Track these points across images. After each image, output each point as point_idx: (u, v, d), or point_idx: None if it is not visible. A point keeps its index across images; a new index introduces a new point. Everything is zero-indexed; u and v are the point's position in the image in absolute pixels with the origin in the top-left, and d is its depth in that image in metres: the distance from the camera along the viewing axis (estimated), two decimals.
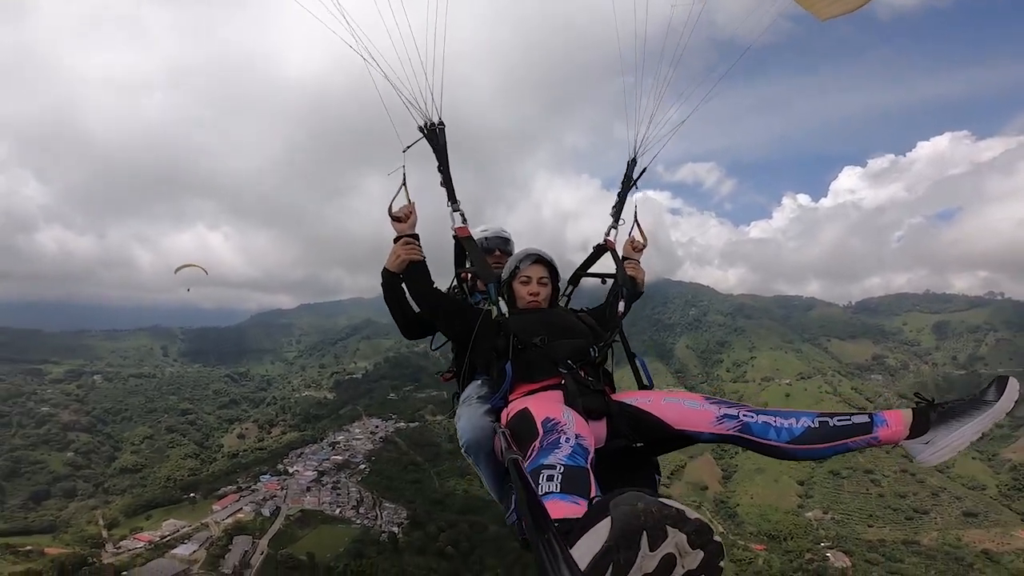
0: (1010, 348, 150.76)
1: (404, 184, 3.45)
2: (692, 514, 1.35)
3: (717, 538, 1.36)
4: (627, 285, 3.68)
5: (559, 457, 2.09)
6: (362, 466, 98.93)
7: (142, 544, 66.38)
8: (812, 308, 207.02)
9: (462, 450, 3.18)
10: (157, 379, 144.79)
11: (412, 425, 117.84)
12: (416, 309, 3.52)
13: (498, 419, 2.91)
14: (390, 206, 3.40)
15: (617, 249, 3.93)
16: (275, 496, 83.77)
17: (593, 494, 1.90)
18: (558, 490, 1.89)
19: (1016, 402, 2.44)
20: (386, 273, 3.38)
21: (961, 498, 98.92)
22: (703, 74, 3.76)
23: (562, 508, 1.79)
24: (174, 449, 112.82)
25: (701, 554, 1.35)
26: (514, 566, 73.30)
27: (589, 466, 2.08)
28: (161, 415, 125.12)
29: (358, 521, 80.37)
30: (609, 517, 1.34)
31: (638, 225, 4.00)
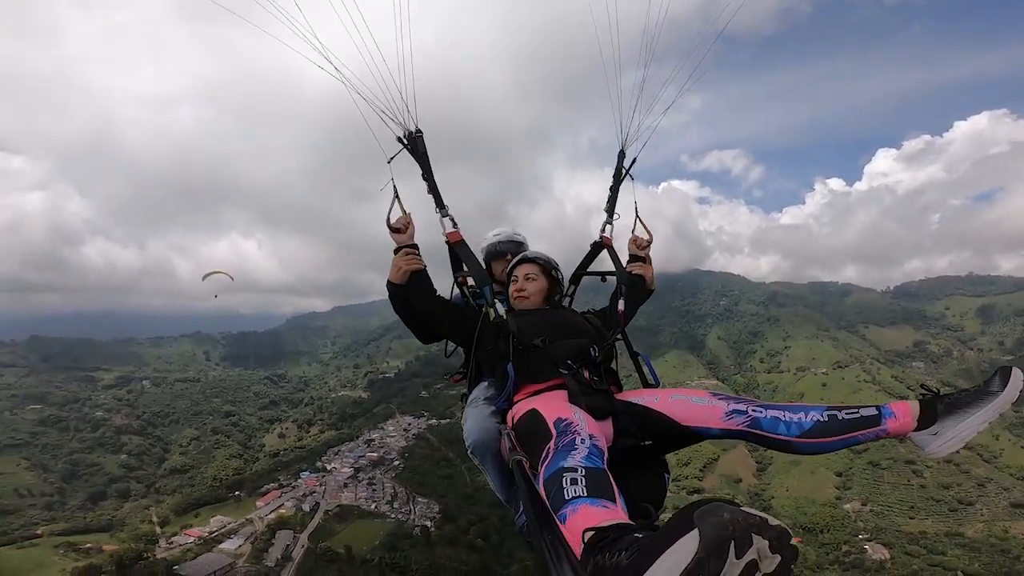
0: None
1: (396, 195, 3.51)
2: (773, 521, 1.35)
3: (794, 542, 1.38)
4: (626, 283, 3.69)
5: (578, 459, 2.09)
6: (396, 462, 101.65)
7: (192, 539, 69.85)
8: (848, 294, 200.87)
9: (468, 451, 3.23)
10: (201, 383, 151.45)
11: (443, 422, 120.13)
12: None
13: (504, 420, 2.93)
14: (387, 218, 3.47)
15: (614, 245, 3.93)
16: (314, 492, 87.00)
17: (618, 497, 1.92)
18: (585, 494, 1.88)
19: (1022, 391, 2.46)
20: (390, 285, 3.44)
21: (1009, 488, 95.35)
22: (687, 58, 3.70)
23: (596, 514, 1.78)
24: (219, 450, 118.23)
25: (779, 558, 1.36)
26: None
27: (606, 467, 2.11)
28: (206, 417, 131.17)
29: (392, 516, 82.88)
30: (696, 529, 1.33)
31: (640, 220, 3.99)
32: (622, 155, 4.03)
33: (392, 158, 3.52)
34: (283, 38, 3.25)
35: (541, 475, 2.07)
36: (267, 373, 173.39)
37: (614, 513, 1.78)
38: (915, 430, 2.49)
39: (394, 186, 3.50)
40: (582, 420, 2.41)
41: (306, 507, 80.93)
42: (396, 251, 3.44)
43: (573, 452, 2.12)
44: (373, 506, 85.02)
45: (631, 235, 3.97)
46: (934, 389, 2.59)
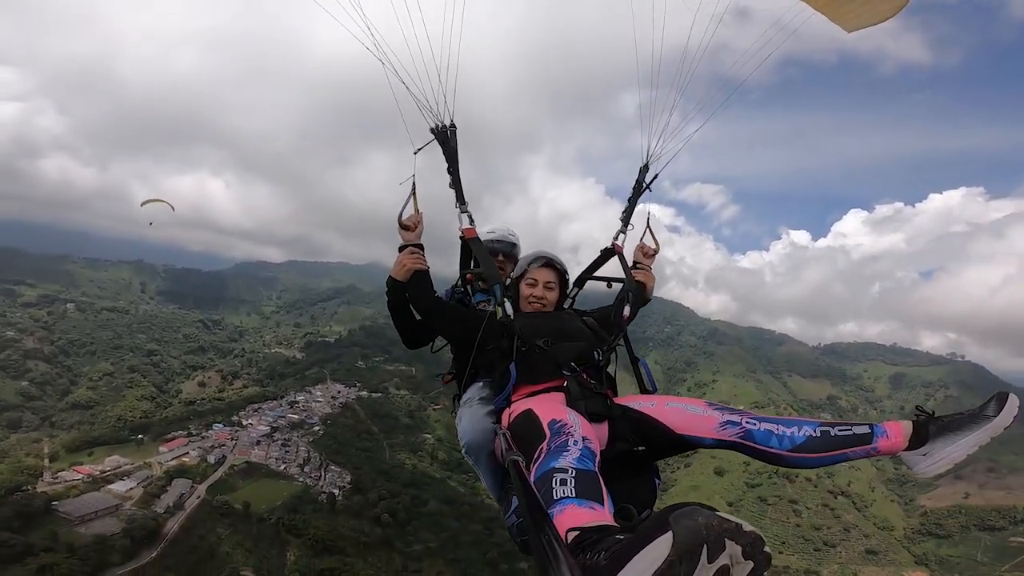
0: (956, 406, 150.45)
1: (414, 193, 3.49)
2: (748, 527, 1.37)
3: (767, 549, 1.40)
4: (634, 290, 3.66)
5: (569, 460, 2.11)
6: (316, 427, 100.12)
7: (80, 476, 67.08)
8: (782, 343, 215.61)
9: (463, 451, 3.23)
10: (130, 315, 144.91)
11: (375, 395, 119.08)
12: (417, 318, 3.58)
13: (499, 420, 2.93)
14: (400, 214, 3.46)
15: (625, 254, 3.92)
16: (223, 445, 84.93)
17: (606, 499, 1.93)
18: (573, 495, 1.90)
19: (1015, 417, 2.50)
20: (391, 282, 3.44)
21: (869, 536, 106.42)
22: (716, 87, 3.84)
23: (581, 515, 1.80)
24: (131, 389, 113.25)
25: (751, 564, 1.37)
26: (448, 542, 75.42)
27: (597, 469, 2.12)
28: (126, 353, 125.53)
29: (301, 479, 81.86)
30: (671, 531, 1.34)
31: (650, 231, 4.00)
32: (645, 169, 4.03)
33: (419, 149, 3.52)
34: (334, 13, 3.33)
35: (532, 474, 2.10)
36: (202, 316, 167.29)
37: (600, 515, 1.80)
38: (906, 450, 2.52)
39: (413, 183, 3.48)
40: (576, 422, 2.43)
41: (211, 459, 79.15)
42: (401, 248, 3.44)
43: (565, 453, 2.15)
44: (283, 467, 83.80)
45: (639, 243, 3.98)
46: (928, 411, 2.60)
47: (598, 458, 2.21)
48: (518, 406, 2.80)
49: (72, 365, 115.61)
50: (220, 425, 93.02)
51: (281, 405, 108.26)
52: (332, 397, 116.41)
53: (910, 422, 2.57)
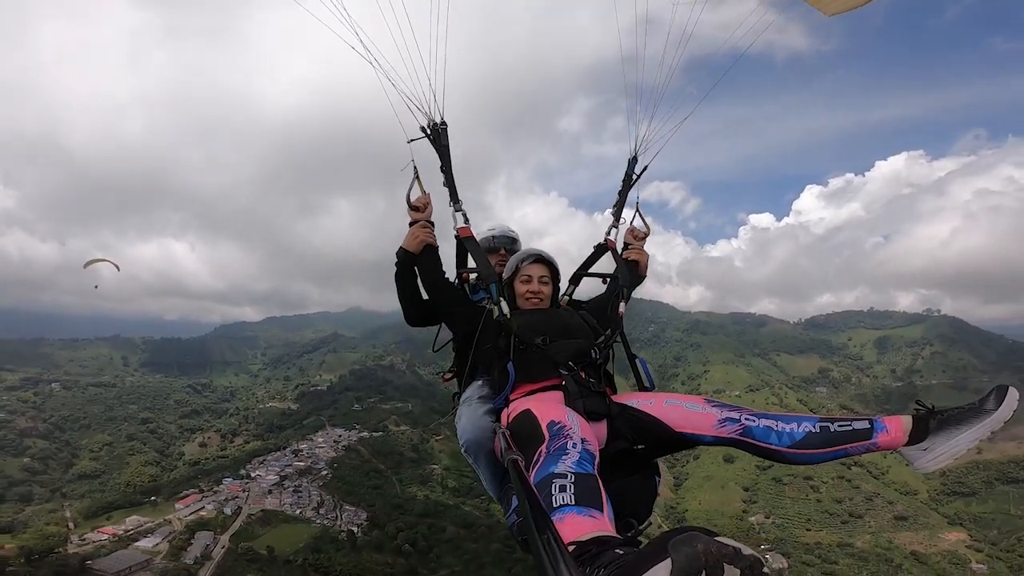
0: (943, 361, 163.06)
1: (416, 176, 3.52)
2: (747, 551, 1.34)
3: (767, 570, 1.36)
4: (628, 284, 3.64)
5: (568, 464, 2.08)
6: (324, 472, 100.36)
7: (106, 537, 67.38)
8: (765, 324, 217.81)
9: (462, 450, 3.21)
10: (117, 388, 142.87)
11: (376, 434, 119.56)
12: (423, 297, 3.58)
13: (498, 419, 2.91)
14: (408, 195, 3.50)
15: (618, 247, 3.92)
16: (237, 497, 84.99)
17: (606, 504, 1.91)
18: (573, 503, 1.87)
19: (1015, 411, 2.45)
20: (402, 252, 3.43)
21: (893, 503, 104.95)
22: (704, 72, 3.83)
23: (581, 524, 1.77)
24: (134, 456, 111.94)
25: None
26: (471, 564, 76.86)
27: (596, 472, 2.10)
28: (121, 423, 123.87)
29: (318, 521, 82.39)
30: (669, 558, 1.30)
31: (640, 214, 4.01)
32: (634, 161, 4.04)
33: (413, 140, 3.54)
34: (319, 17, 3.41)
35: (532, 479, 2.11)
36: (190, 381, 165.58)
37: (599, 524, 1.79)
38: (906, 445, 2.51)
39: (415, 167, 3.53)
40: (575, 423, 2.42)
41: (228, 510, 79.19)
42: (411, 224, 3.50)
43: (564, 457, 2.15)
44: (298, 511, 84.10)
45: (629, 226, 4.04)
46: (928, 405, 2.57)
47: (597, 459, 2.22)
48: (517, 405, 2.81)
49: (69, 439, 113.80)
50: (229, 479, 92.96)
51: (285, 455, 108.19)
52: (334, 441, 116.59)
53: (910, 417, 2.56)
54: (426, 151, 3.60)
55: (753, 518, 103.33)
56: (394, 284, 3.59)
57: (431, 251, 3.45)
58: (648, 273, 3.97)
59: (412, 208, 3.52)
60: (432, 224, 3.51)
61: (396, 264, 3.50)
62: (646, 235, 4.02)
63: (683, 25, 3.75)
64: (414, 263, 3.46)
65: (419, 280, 3.51)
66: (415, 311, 3.65)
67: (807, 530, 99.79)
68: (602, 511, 1.86)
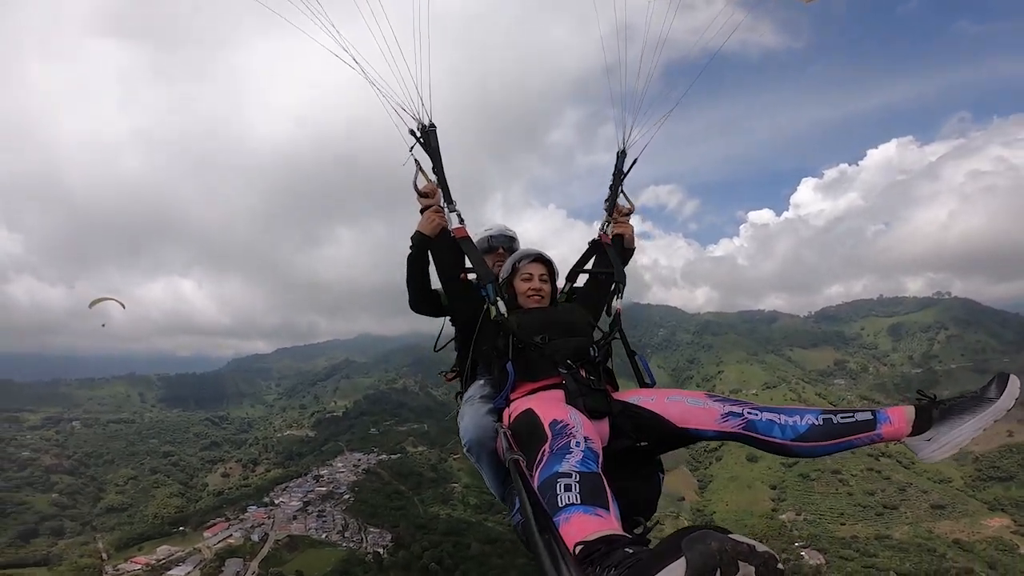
0: (960, 344, 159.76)
1: (419, 166, 3.60)
2: (761, 547, 1.34)
3: (780, 566, 1.36)
4: (623, 281, 3.70)
5: (572, 463, 2.06)
6: (346, 496, 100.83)
7: (139, 567, 68.23)
8: (775, 320, 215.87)
9: (464, 449, 3.26)
10: (137, 424, 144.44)
11: (394, 457, 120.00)
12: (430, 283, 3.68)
13: (500, 419, 2.91)
14: (415, 184, 3.59)
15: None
16: (263, 524, 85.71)
17: (611, 502, 1.89)
18: (579, 502, 1.85)
19: (1016, 399, 2.43)
20: (418, 236, 3.48)
21: (928, 492, 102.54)
22: (686, 70, 3.81)
23: (588, 523, 1.75)
24: (159, 489, 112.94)
25: None
26: None
27: (601, 469, 2.10)
28: (143, 458, 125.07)
29: (344, 544, 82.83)
30: (683, 557, 1.30)
31: (623, 193, 4.08)
32: (623, 155, 4.03)
33: (410, 131, 3.62)
34: (305, 29, 3.40)
35: (536, 479, 2.09)
36: (208, 415, 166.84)
37: (606, 522, 1.78)
38: (909, 435, 2.50)
39: (415, 158, 3.61)
40: (578, 422, 2.43)
41: (255, 537, 79.89)
42: (423, 210, 3.55)
43: (568, 456, 2.14)
44: (324, 536, 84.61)
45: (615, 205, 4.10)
46: (930, 395, 2.57)
47: (601, 457, 2.23)
48: (518, 405, 2.82)
49: (95, 475, 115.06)
50: (254, 507, 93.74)
51: (307, 480, 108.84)
52: (354, 465, 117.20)
53: (912, 407, 2.55)
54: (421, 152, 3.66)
55: (784, 516, 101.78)
56: (405, 267, 3.65)
57: (446, 234, 3.52)
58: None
59: (421, 195, 3.61)
60: (443, 208, 3.59)
61: (411, 247, 3.56)
62: (630, 211, 4.08)
63: (659, 33, 3.83)
64: (428, 246, 3.52)
65: (433, 263, 3.57)
66: (421, 296, 3.74)
67: (841, 524, 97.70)
68: (608, 510, 1.85)
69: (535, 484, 2.04)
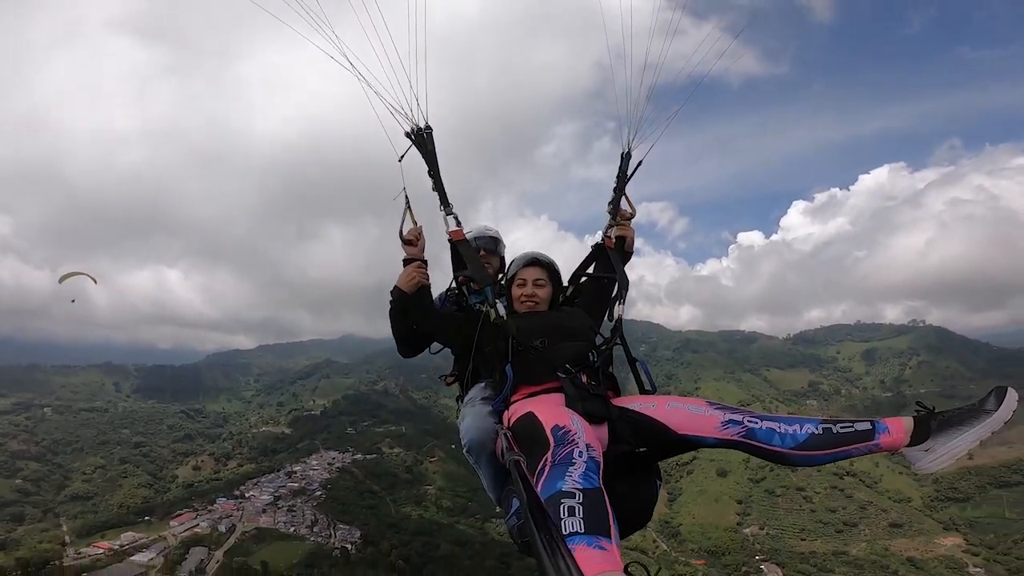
0: (931, 370, 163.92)
1: (408, 207, 3.52)
2: None
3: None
4: (626, 286, 3.65)
5: (575, 479, 2.06)
6: (318, 492, 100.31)
7: (101, 551, 67.39)
8: (754, 341, 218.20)
9: (464, 450, 3.24)
10: (110, 413, 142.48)
11: (370, 457, 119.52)
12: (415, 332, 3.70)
13: (501, 421, 2.93)
14: (400, 229, 3.51)
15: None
16: (231, 516, 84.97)
17: (613, 528, 1.89)
18: (583, 530, 1.83)
19: (1014, 411, 2.46)
20: (397, 292, 3.45)
21: (887, 510, 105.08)
22: (693, 62, 3.77)
23: (592, 559, 1.72)
24: (127, 479, 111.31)
25: None
26: None
27: (602, 482, 2.10)
28: (113, 447, 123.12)
29: (312, 539, 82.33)
30: None
31: (625, 196, 4.01)
32: (627, 157, 3.95)
33: (403, 156, 3.53)
34: (299, 29, 3.37)
35: (538, 491, 2.07)
36: (183, 407, 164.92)
37: (609, 557, 1.77)
38: (907, 446, 2.51)
39: (406, 196, 3.53)
40: (580, 428, 2.44)
41: (222, 528, 79.29)
42: (406, 262, 3.50)
43: (571, 468, 2.13)
44: (292, 530, 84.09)
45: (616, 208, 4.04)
46: (929, 406, 2.58)
47: (602, 466, 2.23)
48: (519, 407, 2.83)
49: (62, 462, 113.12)
50: (223, 499, 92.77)
51: (279, 476, 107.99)
52: (328, 464, 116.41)
53: (911, 418, 2.55)
54: (417, 169, 3.58)
55: (747, 530, 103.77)
56: (388, 318, 3.66)
57: (424, 291, 3.47)
58: (634, 249, 4.02)
59: (405, 243, 3.53)
60: (426, 263, 3.53)
61: (391, 303, 3.54)
62: (631, 215, 3.98)
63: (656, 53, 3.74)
64: (406, 304, 3.48)
65: (412, 317, 3.57)
66: (407, 347, 3.78)
67: (801, 540, 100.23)
68: (610, 538, 1.85)
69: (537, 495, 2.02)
